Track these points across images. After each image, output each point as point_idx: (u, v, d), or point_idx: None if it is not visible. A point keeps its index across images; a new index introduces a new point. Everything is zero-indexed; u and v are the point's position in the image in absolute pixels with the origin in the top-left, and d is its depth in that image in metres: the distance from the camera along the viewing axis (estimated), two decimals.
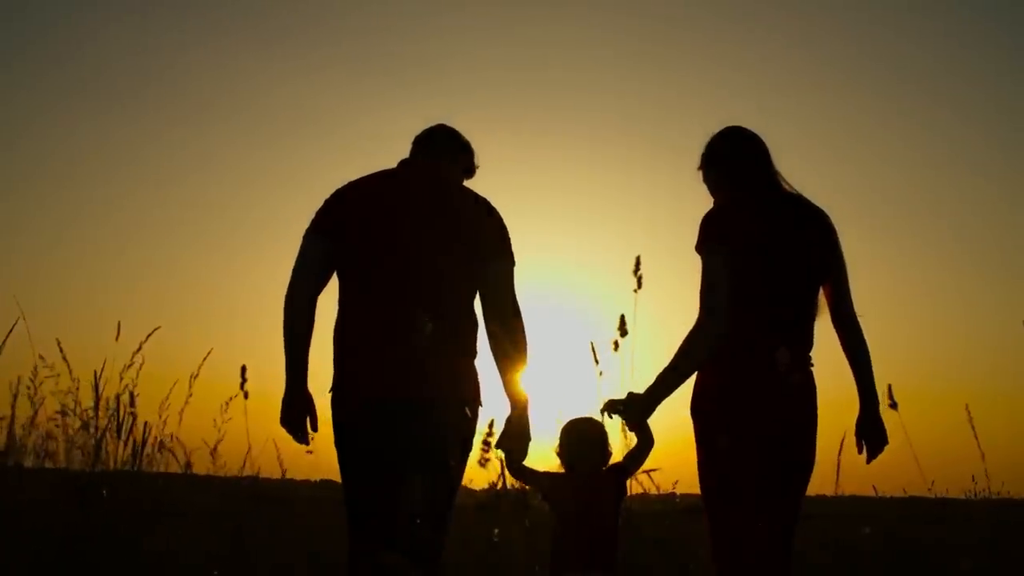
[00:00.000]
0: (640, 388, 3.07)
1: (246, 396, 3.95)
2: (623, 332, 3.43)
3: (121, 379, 4.58)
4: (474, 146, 3.33)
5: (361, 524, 2.96)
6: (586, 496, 3.06)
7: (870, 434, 3.05)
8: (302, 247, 3.07)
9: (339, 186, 3.14)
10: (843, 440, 3.22)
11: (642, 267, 3.65)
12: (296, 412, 3.06)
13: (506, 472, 3.24)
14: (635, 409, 3.03)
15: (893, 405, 2.57)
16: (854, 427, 3.07)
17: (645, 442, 3.12)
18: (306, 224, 3.13)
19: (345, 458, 3.01)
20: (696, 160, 3.22)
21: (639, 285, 3.61)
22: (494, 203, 3.17)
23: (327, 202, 3.11)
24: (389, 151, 3.29)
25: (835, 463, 3.30)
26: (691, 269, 3.02)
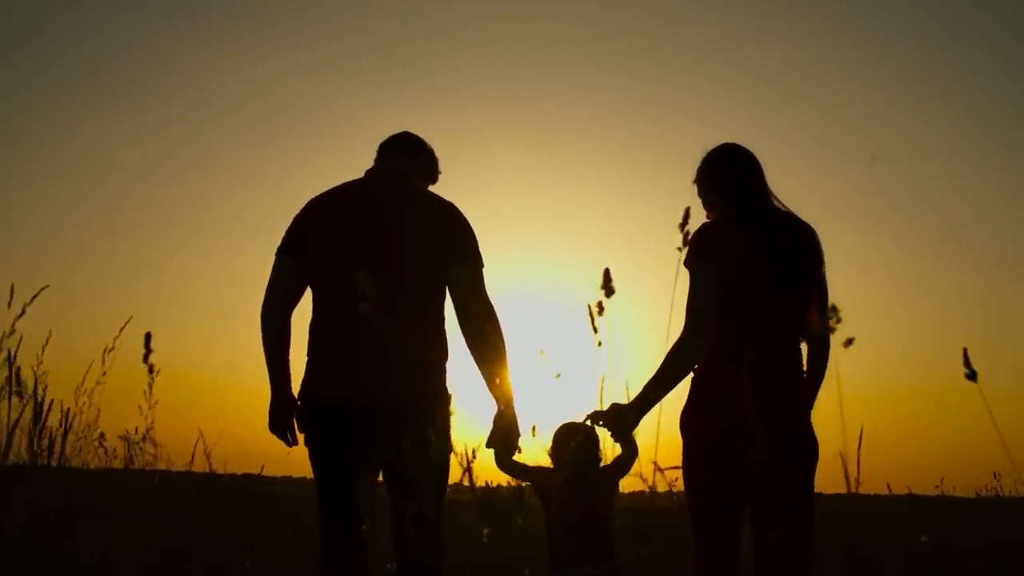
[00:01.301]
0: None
1: (151, 371, 3.27)
2: (608, 291, 2.73)
3: None
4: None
5: (329, 524, 3.10)
6: (577, 493, 3.12)
7: None
8: (273, 266, 3.21)
9: (309, 198, 3.24)
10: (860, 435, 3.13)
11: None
12: (281, 417, 3.21)
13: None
14: (620, 421, 3.07)
15: (971, 376, 2.27)
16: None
17: (630, 451, 3.18)
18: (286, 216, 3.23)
19: (314, 460, 3.13)
20: (685, 162, 3.25)
21: (685, 243, 3.07)
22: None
23: (295, 219, 3.22)
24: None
25: (855, 459, 3.14)
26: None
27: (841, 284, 3.08)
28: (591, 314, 2.47)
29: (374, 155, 3.35)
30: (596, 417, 3.09)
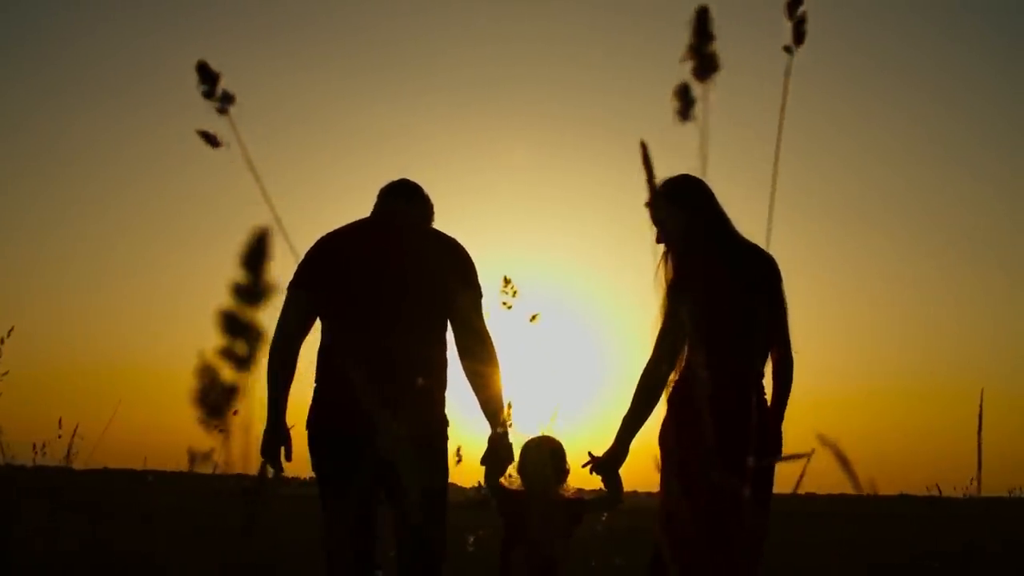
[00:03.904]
0: None
1: None
2: (685, 112, 1.43)
3: None
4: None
5: (335, 540, 3.24)
6: (537, 518, 3.23)
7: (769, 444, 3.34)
8: (285, 299, 3.38)
9: (320, 237, 3.41)
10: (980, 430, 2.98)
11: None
12: (274, 445, 3.38)
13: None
14: (604, 460, 3.25)
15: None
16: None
17: (615, 495, 3.32)
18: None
19: (322, 484, 3.31)
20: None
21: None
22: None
23: (307, 255, 3.41)
24: (380, 148, 3.36)
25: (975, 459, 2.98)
26: None
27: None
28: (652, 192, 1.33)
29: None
30: (594, 463, 3.24)
